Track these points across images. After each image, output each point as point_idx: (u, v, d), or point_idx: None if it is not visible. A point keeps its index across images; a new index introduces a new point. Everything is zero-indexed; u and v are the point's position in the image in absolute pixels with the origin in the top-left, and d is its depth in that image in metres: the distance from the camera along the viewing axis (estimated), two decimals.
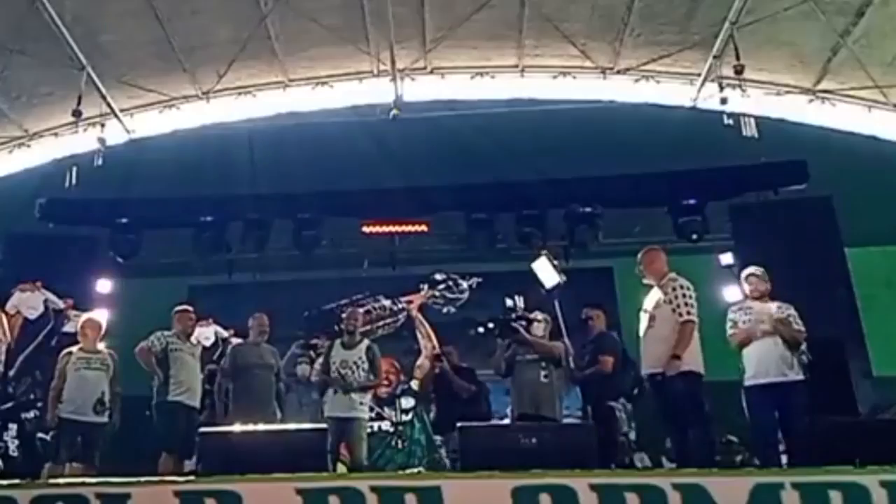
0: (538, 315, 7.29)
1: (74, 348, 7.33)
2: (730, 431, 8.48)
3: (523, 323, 7.15)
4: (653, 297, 6.32)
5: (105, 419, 7.15)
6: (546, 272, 7.68)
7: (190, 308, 7.55)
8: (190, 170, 10.62)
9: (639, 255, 6.52)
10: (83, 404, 7.03)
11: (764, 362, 6.21)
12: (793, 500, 4.26)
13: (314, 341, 8.47)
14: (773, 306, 6.41)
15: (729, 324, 6.50)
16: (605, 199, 10.65)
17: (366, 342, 7.64)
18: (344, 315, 7.89)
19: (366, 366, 7.37)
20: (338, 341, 7.63)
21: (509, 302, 7.41)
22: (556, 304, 7.33)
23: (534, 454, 4.85)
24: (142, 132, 10.92)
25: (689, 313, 6.03)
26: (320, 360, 7.76)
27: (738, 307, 6.59)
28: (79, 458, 6.92)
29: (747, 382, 6.32)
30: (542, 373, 7.02)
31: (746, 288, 6.57)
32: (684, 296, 6.08)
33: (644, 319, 6.28)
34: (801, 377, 6.22)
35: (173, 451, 6.86)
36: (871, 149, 10.24)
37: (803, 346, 6.32)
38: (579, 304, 7.68)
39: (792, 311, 6.37)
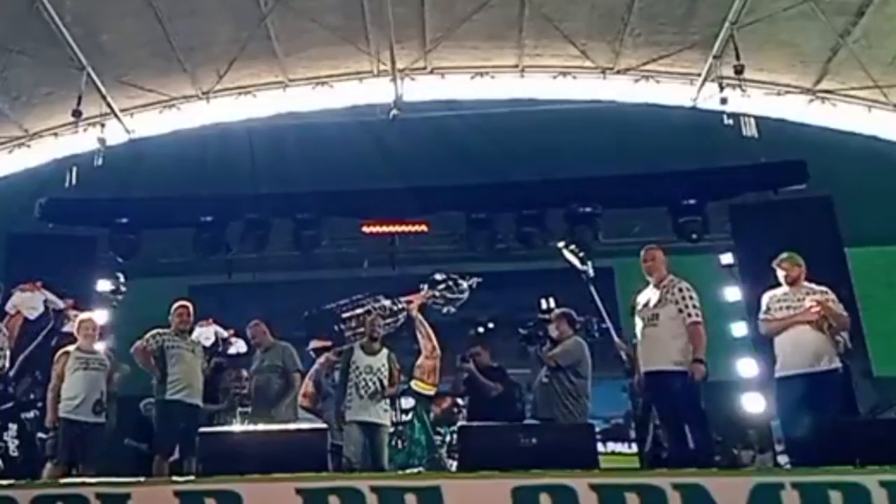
0: (555, 313, 7.25)
1: (71, 348, 7.30)
2: (717, 431, 8.46)
3: (541, 328, 7.14)
4: (648, 296, 6.25)
5: (103, 419, 7.15)
6: (574, 262, 7.65)
7: (187, 304, 7.52)
8: (190, 170, 10.62)
9: (645, 253, 6.42)
10: (84, 404, 7.02)
11: (797, 352, 6.08)
12: (793, 500, 4.26)
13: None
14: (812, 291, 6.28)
15: (763, 308, 6.38)
16: (605, 199, 10.65)
17: (386, 350, 7.67)
18: (366, 320, 7.99)
19: (386, 372, 7.42)
20: (357, 346, 7.66)
21: (544, 303, 7.40)
22: (594, 292, 7.25)
23: (534, 454, 4.84)
24: (142, 132, 10.92)
25: (697, 315, 5.99)
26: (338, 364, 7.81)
27: (773, 294, 6.42)
28: (78, 458, 6.91)
29: (777, 374, 6.22)
30: (544, 372, 7.01)
31: (780, 273, 6.38)
32: (691, 297, 6.05)
33: (642, 317, 6.21)
34: (835, 366, 6.07)
35: (168, 453, 6.83)
36: (871, 149, 10.24)
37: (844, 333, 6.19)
38: (580, 304, 7.65)
39: (831, 296, 6.24)
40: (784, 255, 6.46)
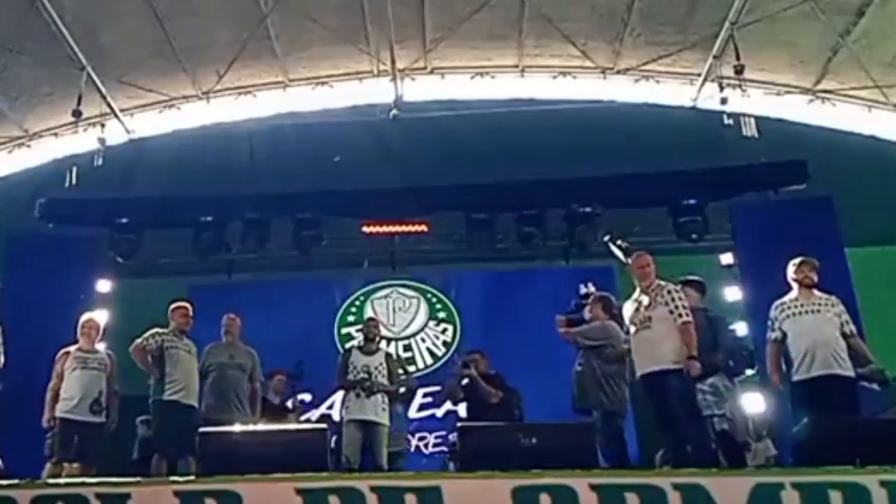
0: (592, 297, 7.16)
1: (72, 348, 7.30)
2: None
3: (580, 313, 7.08)
4: (637, 301, 6.20)
5: (102, 419, 7.13)
6: (619, 254, 7.61)
7: (187, 305, 7.50)
8: (190, 170, 10.62)
9: (642, 258, 6.37)
10: (79, 404, 7.02)
11: (813, 354, 6.04)
12: (793, 500, 4.26)
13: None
14: (820, 298, 6.24)
15: (771, 319, 6.34)
16: (605, 199, 10.62)
17: (384, 350, 7.86)
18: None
19: (385, 372, 7.46)
20: (355, 348, 7.78)
21: (583, 289, 7.36)
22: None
23: (534, 454, 4.84)
24: (142, 132, 10.94)
25: (687, 315, 6.00)
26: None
27: (782, 302, 6.35)
28: (76, 458, 6.91)
29: (795, 377, 6.13)
30: (578, 361, 6.91)
31: (798, 276, 6.30)
32: (680, 298, 6.06)
33: (635, 322, 6.16)
34: (851, 373, 6.04)
35: (167, 453, 6.82)
36: (871, 149, 10.25)
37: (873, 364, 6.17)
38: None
39: (842, 307, 6.23)
40: (801, 258, 6.39)
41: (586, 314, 7.08)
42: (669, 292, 6.09)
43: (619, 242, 7.61)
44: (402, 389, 8.09)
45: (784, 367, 6.25)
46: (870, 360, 6.23)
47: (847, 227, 10.10)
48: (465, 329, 11.25)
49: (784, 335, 6.26)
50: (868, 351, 6.30)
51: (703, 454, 5.68)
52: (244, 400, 7.50)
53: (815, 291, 6.30)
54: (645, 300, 6.17)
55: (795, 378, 6.14)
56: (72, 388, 7.07)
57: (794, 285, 6.36)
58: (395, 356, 7.96)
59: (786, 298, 6.38)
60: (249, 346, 7.82)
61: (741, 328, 10.32)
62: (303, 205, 10.79)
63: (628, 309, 6.31)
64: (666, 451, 6.31)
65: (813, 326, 6.15)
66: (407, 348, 11.09)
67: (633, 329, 6.21)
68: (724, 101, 9.35)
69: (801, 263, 6.38)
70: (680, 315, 5.99)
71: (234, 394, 7.48)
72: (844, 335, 6.15)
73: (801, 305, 6.25)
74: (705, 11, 9.41)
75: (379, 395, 7.34)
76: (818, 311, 6.20)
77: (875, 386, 6.22)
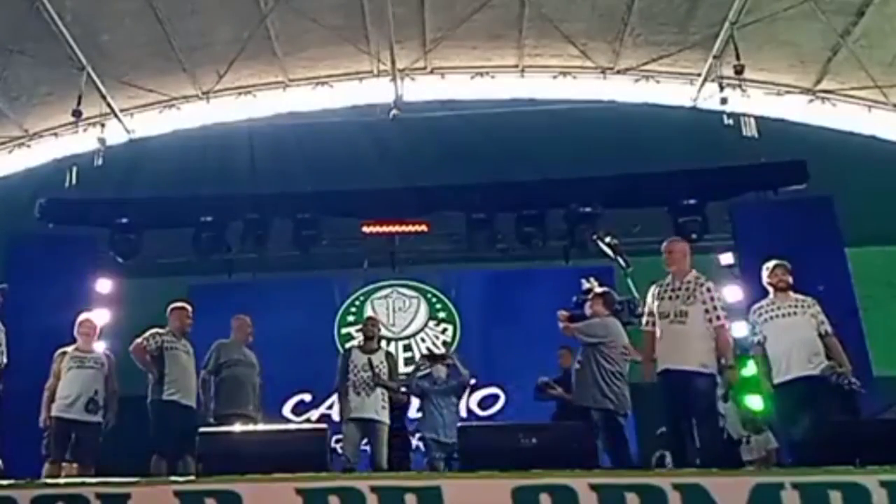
0: (593, 292, 7.06)
1: (70, 348, 7.32)
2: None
3: (582, 309, 7.00)
4: (669, 291, 5.98)
5: (98, 418, 7.13)
6: (609, 253, 7.56)
7: (187, 306, 7.50)
8: (190, 170, 10.62)
9: (681, 244, 6.33)
10: (75, 402, 7.03)
11: (790, 356, 6.05)
12: (793, 500, 4.26)
13: (435, 351, 8.92)
14: (796, 301, 6.25)
15: (750, 324, 6.37)
16: (605, 199, 10.62)
17: (384, 349, 7.79)
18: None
19: (386, 370, 7.46)
20: (355, 347, 7.77)
21: (585, 284, 7.33)
22: (630, 283, 7.09)
23: (534, 454, 4.84)
24: (142, 132, 10.95)
25: (724, 317, 5.87)
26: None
27: (759, 307, 6.37)
28: (72, 458, 6.91)
29: (776, 380, 6.12)
30: (577, 358, 6.80)
31: (772, 279, 6.31)
32: (719, 298, 5.93)
33: (665, 311, 5.93)
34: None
35: (165, 453, 6.82)
36: (871, 149, 10.25)
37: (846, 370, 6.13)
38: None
39: (818, 308, 6.22)
40: (774, 262, 6.41)
41: (587, 310, 6.98)
42: (709, 290, 5.90)
43: (607, 240, 7.56)
44: (449, 382, 7.99)
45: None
46: (843, 362, 6.17)
47: (847, 227, 10.11)
48: (465, 329, 11.26)
49: (765, 338, 6.27)
50: (842, 352, 6.23)
51: (713, 458, 5.61)
52: (257, 398, 7.53)
53: (791, 293, 6.31)
54: (682, 292, 5.93)
55: (776, 381, 6.14)
56: (67, 388, 7.09)
57: (770, 289, 6.36)
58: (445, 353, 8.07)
59: (763, 302, 6.39)
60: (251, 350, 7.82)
61: (741, 328, 10.33)
62: (303, 205, 10.79)
63: (656, 297, 6.04)
64: (663, 452, 6.29)
65: (789, 329, 6.16)
66: (407, 348, 11.09)
67: (662, 321, 5.94)
68: (724, 101, 9.36)
69: (774, 267, 6.38)
70: (717, 317, 5.82)
71: (252, 390, 7.50)
72: (820, 335, 6.15)
73: (777, 308, 6.26)
74: (705, 11, 9.42)
75: (379, 393, 7.33)
76: (794, 313, 6.21)
77: (844, 383, 6.18)
